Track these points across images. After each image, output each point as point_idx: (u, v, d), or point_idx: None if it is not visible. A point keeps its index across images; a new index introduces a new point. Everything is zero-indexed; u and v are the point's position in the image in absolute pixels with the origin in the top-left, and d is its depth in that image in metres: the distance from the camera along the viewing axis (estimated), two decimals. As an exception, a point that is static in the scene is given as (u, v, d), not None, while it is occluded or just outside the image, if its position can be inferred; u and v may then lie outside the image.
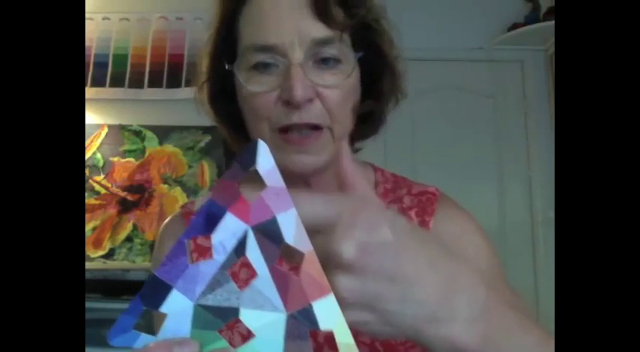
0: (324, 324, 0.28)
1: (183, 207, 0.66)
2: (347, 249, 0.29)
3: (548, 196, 2.23)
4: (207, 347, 0.29)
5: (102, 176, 2.20)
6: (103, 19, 2.37)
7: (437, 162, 2.26)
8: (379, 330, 0.31)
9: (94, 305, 1.64)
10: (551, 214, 2.19)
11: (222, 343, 0.29)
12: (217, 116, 0.61)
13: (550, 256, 2.17)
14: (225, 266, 0.29)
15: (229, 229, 0.29)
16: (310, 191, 0.56)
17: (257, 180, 0.30)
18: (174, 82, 2.29)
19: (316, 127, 0.52)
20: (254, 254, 0.29)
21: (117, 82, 2.30)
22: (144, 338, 0.30)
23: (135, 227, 2.15)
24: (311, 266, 0.29)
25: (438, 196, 0.63)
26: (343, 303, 0.29)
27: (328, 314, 0.29)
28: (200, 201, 0.68)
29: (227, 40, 0.56)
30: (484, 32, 2.36)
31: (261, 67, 0.52)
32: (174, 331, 0.29)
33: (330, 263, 0.29)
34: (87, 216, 2.13)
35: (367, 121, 0.60)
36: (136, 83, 2.30)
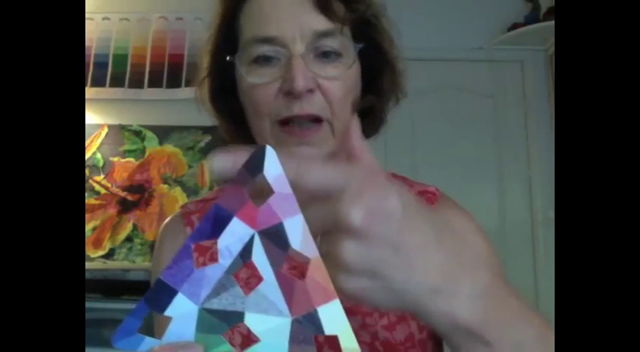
0: (329, 329, 0.28)
1: (183, 207, 0.66)
2: (354, 214, 0.29)
3: (548, 196, 2.23)
4: (212, 350, 0.29)
5: (102, 176, 2.21)
6: (103, 19, 2.37)
7: (437, 162, 2.26)
8: (381, 300, 0.31)
9: (94, 305, 1.64)
10: (551, 214, 2.19)
11: (227, 347, 0.29)
12: (218, 112, 0.61)
13: (550, 256, 2.17)
14: (231, 270, 0.29)
15: (236, 234, 0.29)
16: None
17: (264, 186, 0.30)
18: (174, 82, 2.29)
19: (316, 120, 0.52)
20: (260, 258, 0.29)
21: (117, 82, 2.30)
22: (148, 342, 0.30)
23: (135, 227, 2.15)
24: (317, 271, 0.29)
25: (437, 196, 0.63)
26: (347, 269, 0.29)
27: (333, 319, 0.29)
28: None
29: (228, 37, 0.57)
30: (484, 32, 2.36)
31: (262, 60, 0.52)
32: (179, 335, 0.29)
33: (337, 229, 0.29)
34: (87, 216, 2.13)
35: (367, 117, 0.60)
36: (136, 83, 2.31)
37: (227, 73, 0.57)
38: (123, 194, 2.19)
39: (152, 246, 2.11)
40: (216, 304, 0.29)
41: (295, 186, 0.29)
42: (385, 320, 0.55)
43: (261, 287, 0.29)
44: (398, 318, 0.56)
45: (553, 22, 2.15)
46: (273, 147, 0.30)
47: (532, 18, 2.27)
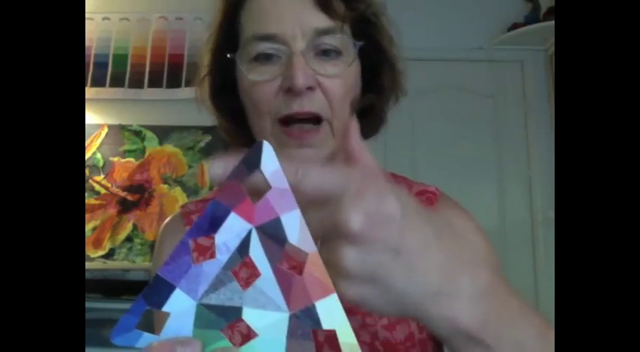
0: (327, 324, 0.29)
1: (183, 206, 0.66)
2: (353, 219, 0.29)
3: (548, 196, 2.23)
4: (210, 346, 0.29)
5: (102, 176, 2.21)
6: (103, 19, 2.37)
7: (437, 162, 2.26)
8: (381, 306, 0.31)
9: (94, 305, 1.64)
10: (551, 214, 2.19)
11: (225, 342, 0.29)
12: (218, 111, 0.61)
13: (550, 256, 2.17)
14: (229, 266, 0.29)
15: (233, 229, 0.29)
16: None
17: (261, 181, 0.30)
18: (174, 82, 2.29)
19: (316, 121, 0.52)
20: (257, 254, 0.29)
21: (117, 82, 2.30)
22: (146, 338, 0.30)
23: (135, 227, 2.15)
24: (314, 266, 0.29)
25: (437, 196, 0.63)
26: (347, 275, 0.29)
27: (331, 314, 0.29)
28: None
29: (229, 35, 0.57)
30: (484, 32, 2.36)
31: (263, 58, 0.53)
32: (177, 330, 0.29)
33: (336, 234, 0.29)
34: (87, 216, 2.13)
35: (367, 117, 0.60)
36: (136, 83, 2.31)
37: (227, 71, 0.57)
38: (123, 194, 2.19)
39: (152, 246, 2.11)
40: (214, 299, 0.29)
41: (294, 191, 0.29)
42: (385, 320, 0.55)
43: (258, 282, 0.29)
44: (398, 318, 0.56)
45: (553, 22, 2.15)
46: (274, 146, 0.30)
47: (532, 18, 2.27)
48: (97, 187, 2.19)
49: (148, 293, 0.30)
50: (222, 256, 0.29)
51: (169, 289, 0.29)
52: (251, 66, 0.53)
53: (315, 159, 0.53)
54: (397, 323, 0.55)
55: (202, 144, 2.24)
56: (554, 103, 2.10)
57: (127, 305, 0.30)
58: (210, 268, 0.29)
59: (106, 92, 2.29)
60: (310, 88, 0.51)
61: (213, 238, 0.29)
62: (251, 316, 0.29)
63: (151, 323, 0.30)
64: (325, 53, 0.53)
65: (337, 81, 0.53)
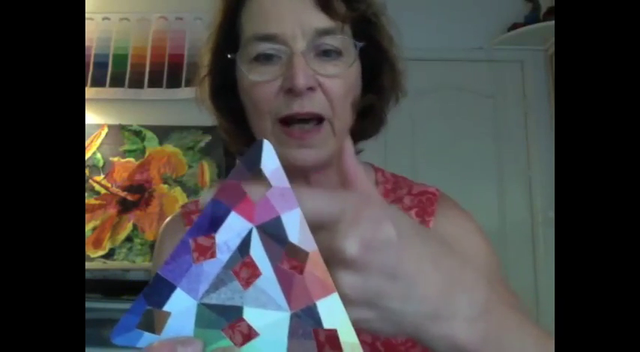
0: (328, 323, 0.29)
1: (183, 206, 0.66)
2: (350, 245, 0.29)
3: (548, 196, 2.23)
4: (211, 346, 0.29)
5: (102, 176, 2.20)
6: (103, 19, 2.37)
7: (437, 162, 2.26)
8: (380, 328, 0.31)
9: (94, 305, 1.64)
10: (551, 214, 2.19)
11: (226, 342, 0.29)
12: (218, 111, 0.61)
13: (550, 256, 2.17)
14: (229, 265, 0.29)
15: (234, 229, 0.29)
16: (311, 187, 0.56)
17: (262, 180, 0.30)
18: (174, 82, 2.29)
19: (317, 121, 0.52)
20: (258, 253, 0.29)
21: (117, 82, 2.30)
22: (147, 337, 0.30)
23: (135, 227, 2.15)
24: (315, 265, 0.29)
25: (438, 196, 0.63)
26: (345, 300, 0.29)
27: (332, 313, 0.29)
28: (205, 197, 0.68)
29: (229, 35, 0.57)
30: (484, 32, 2.36)
31: (263, 59, 0.52)
32: (178, 330, 0.29)
33: (333, 259, 0.29)
34: (87, 216, 2.13)
35: (368, 117, 0.60)
36: (136, 83, 2.30)
37: (228, 71, 0.57)
38: (123, 194, 2.19)
39: (152, 246, 2.11)
40: (214, 299, 0.29)
41: None
42: None
43: (259, 281, 0.29)
44: None
45: (553, 22, 2.15)
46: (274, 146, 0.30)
47: (532, 18, 2.27)
48: (97, 187, 2.19)
49: (149, 292, 0.29)
50: (223, 255, 0.29)
51: (170, 288, 0.29)
52: (251, 66, 0.53)
53: (314, 160, 0.53)
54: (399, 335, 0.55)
55: (202, 144, 2.24)
56: (554, 103, 2.10)
57: (127, 305, 0.30)
58: (211, 267, 0.29)
59: (106, 92, 2.29)
60: (311, 89, 0.51)
61: (213, 237, 0.29)
62: (252, 315, 0.29)
63: (152, 323, 0.30)
64: (326, 53, 0.53)
65: (338, 81, 0.53)
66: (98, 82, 2.29)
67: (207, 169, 2.21)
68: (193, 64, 2.31)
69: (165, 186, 2.20)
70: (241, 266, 0.30)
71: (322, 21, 0.52)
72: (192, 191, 2.19)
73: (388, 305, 0.30)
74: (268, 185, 0.29)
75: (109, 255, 2.11)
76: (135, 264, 2.07)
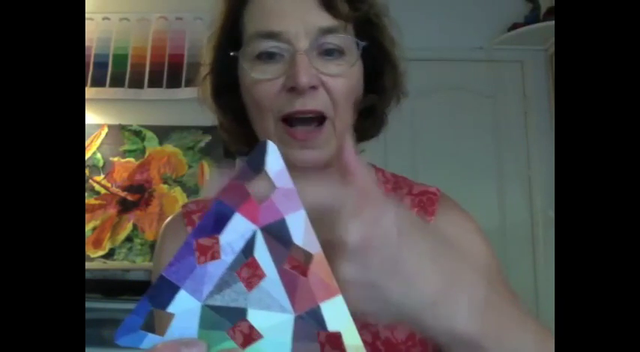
0: (332, 325, 0.28)
1: (184, 206, 0.66)
2: (351, 237, 0.29)
3: (548, 196, 2.22)
4: (215, 347, 0.29)
5: (102, 176, 2.20)
6: (103, 19, 2.37)
7: (437, 162, 2.25)
8: (379, 316, 0.31)
9: (94, 305, 1.64)
10: (551, 214, 2.18)
11: (230, 343, 0.29)
12: (220, 109, 0.61)
13: (550, 256, 2.17)
14: (234, 266, 0.29)
15: (238, 230, 0.29)
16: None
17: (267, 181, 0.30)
18: (174, 82, 2.29)
19: (319, 122, 0.52)
20: (262, 255, 0.29)
21: (117, 82, 2.30)
22: (151, 339, 0.29)
23: (135, 227, 2.15)
24: (319, 267, 0.29)
25: (439, 197, 0.63)
26: (345, 289, 0.29)
27: (336, 316, 0.29)
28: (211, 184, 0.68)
29: (232, 33, 0.56)
30: (484, 32, 2.36)
31: (266, 57, 0.52)
32: (182, 331, 0.29)
33: (334, 251, 0.29)
34: (87, 216, 2.13)
35: (369, 117, 0.60)
36: (136, 83, 2.30)
37: (230, 70, 0.57)
38: (123, 194, 2.19)
39: (152, 246, 2.11)
40: (218, 300, 0.29)
41: None
42: None
43: (263, 283, 0.29)
44: None
45: (553, 22, 2.15)
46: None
47: (532, 18, 2.27)
48: (97, 187, 2.19)
49: (153, 294, 0.29)
50: (227, 257, 0.29)
51: (174, 290, 0.29)
52: (254, 64, 0.53)
53: (316, 160, 0.53)
54: (398, 323, 0.55)
55: (202, 144, 2.24)
56: (554, 103, 2.10)
57: (127, 305, 0.30)
58: (215, 269, 0.29)
59: (106, 92, 2.29)
60: (313, 87, 0.51)
61: (216, 238, 0.29)
62: (256, 317, 0.29)
63: (152, 324, 0.30)
64: (328, 53, 0.53)
65: (340, 80, 0.53)
66: (98, 82, 2.29)
67: (207, 169, 2.21)
68: (193, 64, 2.32)
69: (165, 186, 2.20)
70: (245, 267, 0.30)
71: (325, 20, 0.52)
72: (192, 191, 2.19)
73: (387, 294, 0.30)
74: (272, 186, 0.29)
75: (109, 255, 2.11)
76: (135, 264, 2.07)
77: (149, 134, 2.26)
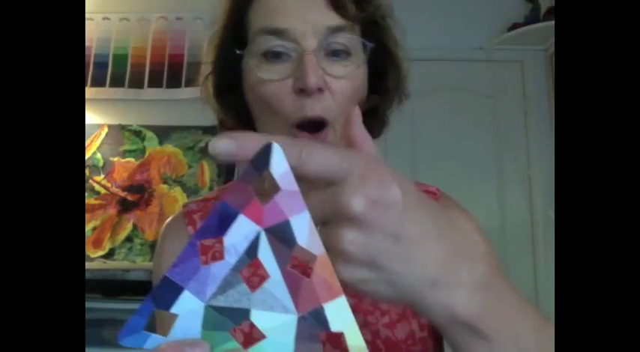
0: (335, 326, 0.28)
1: (184, 206, 0.66)
2: (356, 202, 0.29)
3: (548, 196, 2.23)
4: (218, 347, 0.29)
5: (102, 176, 2.21)
6: (103, 19, 2.37)
7: (437, 162, 2.26)
8: (379, 291, 0.31)
9: (94, 305, 1.64)
10: (551, 214, 2.19)
11: (233, 344, 0.29)
12: (222, 107, 0.61)
13: (550, 256, 2.17)
14: (237, 267, 0.29)
15: (242, 231, 0.29)
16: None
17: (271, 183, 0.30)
18: (174, 82, 2.29)
19: (321, 125, 0.52)
20: (266, 256, 0.29)
21: (117, 82, 2.31)
22: (154, 339, 0.30)
23: (135, 227, 2.16)
24: (323, 268, 0.29)
25: (438, 196, 0.63)
26: (347, 258, 0.29)
27: (339, 316, 0.29)
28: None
29: (236, 32, 0.56)
30: (484, 32, 2.37)
31: (272, 56, 0.52)
32: (185, 332, 0.29)
33: (337, 216, 0.29)
34: (87, 216, 2.13)
35: (370, 119, 0.60)
36: (136, 83, 2.31)
37: (233, 69, 0.56)
38: (123, 194, 2.19)
39: (152, 246, 2.11)
40: (222, 301, 0.29)
41: (297, 173, 0.29)
42: (387, 318, 0.55)
43: (267, 284, 0.29)
44: (399, 317, 0.56)
45: (553, 22, 2.15)
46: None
47: (532, 18, 2.27)
48: (97, 187, 2.19)
49: (156, 294, 0.29)
50: (231, 258, 0.29)
51: (177, 291, 0.29)
52: (260, 63, 0.52)
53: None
54: (398, 322, 0.55)
55: (202, 144, 2.24)
56: (554, 103, 2.10)
57: (127, 305, 0.30)
58: (219, 270, 0.29)
59: (106, 92, 2.29)
60: (320, 90, 0.50)
61: (220, 240, 0.29)
62: (259, 318, 0.29)
63: (153, 325, 0.30)
64: (335, 53, 0.52)
65: (345, 83, 0.52)
66: (98, 82, 2.29)
67: (207, 169, 2.21)
68: (193, 64, 2.32)
69: (165, 186, 2.21)
70: (249, 268, 0.30)
71: (334, 19, 0.52)
72: (192, 191, 2.19)
73: (389, 265, 0.30)
74: (277, 188, 0.29)
75: (109, 255, 2.11)
76: (135, 264, 2.08)
77: (149, 134, 2.26)
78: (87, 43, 2.31)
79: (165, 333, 0.29)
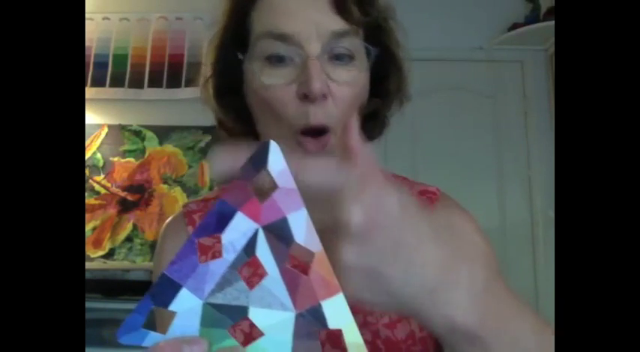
0: (333, 323, 0.29)
1: (185, 206, 0.66)
2: (354, 215, 0.29)
3: (548, 196, 2.23)
4: (216, 345, 0.29)
5: (102, 176, 2.21)
6: (103, 19, 2.37)
7: (437, 162, 2.26)
8: (379, 301, 0.31)
9: (94, 305, 1.64)
10: (551, 214, 2.19)
11: (231, 341, 0.29)
12: (222, 109, 0.60)
13: (550, 256, 2.18)
14: (235, 265, 0.29)
15: (240, 229, 0.29)
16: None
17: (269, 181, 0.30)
18: (174, 82, 2.29)
19: (325, 130, 0.52)
20: (264, 253, 0.29)
21: (117, 82, 2.31)
22: (153, 337, 0.30)
23: (135, 227, 2.16)
24: (321, 265, 0.29)
25: (438, 196, 0.63)
26: (346, 271, 0.29)
27: (337, 314, 0.29)
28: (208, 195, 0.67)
29: (237, 33, 0.55)
30: (484, 32, 2.37)
31: (275, 60, 0.51)
32: (183, 329, 0.29)
33: (335, 228, 0.29)
34: (87, 216, 2.13)
35: (371, 121, 0.59)
36: (136, 83, 2.31)
37: (233, 70, 0.56)
38: (123, 194, 2.19)
39: (152, 246, 2.11)
40: (220, 299, 0.29)
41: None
42: (386, 318, 0.55)
43: (265, 281, 0.29)
44: (399, 317, 0.56)
45: (553, 22, 2.15)
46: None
47: (532, 18, 2.28)
48: (97, 187, 2.19)
49: (155, 292, 0.30)
50: (229, 255, 0.29)
51: (176, 288, 0.29)
52: (262, 67, 0.52)
53: (319, 159, 0.52)
54: (398, 322, 0.55)
55: (202, 144, 2.24)
56: (554, 103, 2.10)
57: (127, 305, 0.30)
58: (217, 267, 0.29)
59: (106, 92, 2.29)
60: (323, 96, 0.50)
61: (218, 238, 0.29)
62: (257, 315, 0.29)
63: (153, 322, 0.30)
64: (338, 57, 0.52)
65: (347, 88, 0.52)
66: (98, 82, 2.29)
67: (207, 169, 2.21)
68: (193, 64, 2.32)
69: (165, 186, 2.21)
70: (247, 266, 0.30)
71: (338, 23, 0.51)
72: (192, 191, 2.19)
73: (388, 276, 0.30)
74: (274, 185, 0.29)
75: (109, 255, 2.11)
76: (135, 264, 2.08)
77: (149, 134, 2.26)
78: (87, 43, 2.31)
79: (164, 331, 0.30)
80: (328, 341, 0.29)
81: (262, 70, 0.52)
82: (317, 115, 0.50)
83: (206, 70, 0.60)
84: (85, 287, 0.45)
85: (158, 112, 2.26)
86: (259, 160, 0.29)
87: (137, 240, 2.14)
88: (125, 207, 2.18)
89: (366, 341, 0.28)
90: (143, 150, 2.24)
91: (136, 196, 2.19)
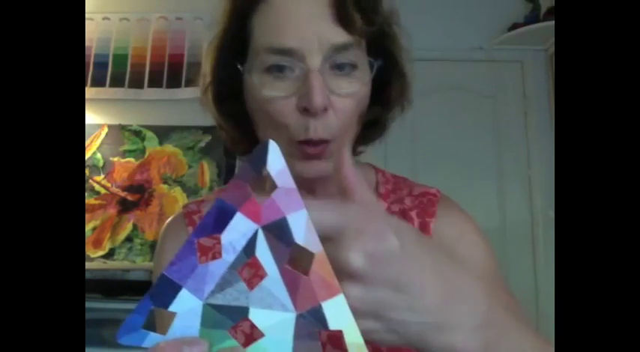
0: (333, 324, 0.29)
1: (185, 206, 0.66)
2: (354, 258, 0.29)
3: (548, 196, 2.23)
4: (217, 346, 0.29)
5: (102, 176, 2.21)
6: (103, 19, 2.37)
7: (437, 162, 2.26)
8: (385, 338, 0.32)
9: (94, 305, 1.64)
10: (551, 214, 2.19)
11: (232, 342, 0.29)
12: (222, 116, 0.60)
13: (550, 256, 2.17)
14: (235, 265, 0.29)
15: (239, 229, 0.29)
16: (315, 198, 0.55)
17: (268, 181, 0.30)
18: (174, 82, 2.29)
19: (324, 141, 0.51)
20: (264, 254, 0.29)
21: (117, 82, 2.31)
22: (153, 337, 0.30)
23: (135, 227, 2.15)
24: (321, 266, 0.29)
25: (439, 198, 0.63)
26: (352, 312, 0.30)
27: (338, 314, 0.29)
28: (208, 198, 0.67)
29: (237, 39, 0.54)
30: (484, 32, 2.37)
31: (275, 70, 0.50)
32: (184, 330, 0.29)
33: (338, 271, 0.30)
34: (87, 216, 2.13)
35: (371, 127, 0.59)
36: (136, 83, 2.31)
37: (232, 80, 0.55)
38: (123, 194, 2.19)
39: (152, 246, 2.11)
40: (220, 299, 0.29)
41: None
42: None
43: (265, 282, 0.29)
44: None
45: (553, 22, 2.15)
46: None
47: (532, 18, 2.27)
48: (97, 187, 2.19)
49: (155, 292, 0.30)
50: (229, 256, 0.29)
51: (176, 289, 0.29)
52: (262, 78, 0.51)
53: (323, 172, 0.51)
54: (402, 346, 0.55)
55: (202, 144, 2.24)
56: (554, 103, 2.10)
57: (127, 305, 0.30)
58: (217, 268, 0.29)
59: (106, 92, 2.29)
60: (324, 109, 0.49)
61: (217, 238, 0.29)
62: (257, 316, 0.29)
63: (153, 323, 0.30)
64: (340, 67, 0.51)
65: (349, 101, 0.51)
66: (98, 82, 2.29)
67: (207, 169, 2.21)
68: (193, 64, 2.32)
69: (165, 186, 2.21)
70: (247, 266, 0.30)
71: (340, 35, 0.50)
72: (192, 191, 2.19)
73: (393, 315, 0.31)
74: (274, 185, 0.29)
75: (109, 255, 2.11)
76: (135, 264, 2.08)
77: (149, 134, 2.26)
78: (87, 43, 2.31)
79: (164, 331, 0.30)
80: (329, 342, 0.29)
81: (262, 82, 0.51)
82: (317, 129, 0.49)
83: (205, 73, 0.59)
84: (85, 287, 0.45)
85: (158, 112, 2.26)
86: (258, 160, 0.29)
87: (137, 240, 2.14)
88: (125, 207, 2.18)
89: (367, 343, 0.28)
90: (143, 150, 2.24)
91: (136, 196, 2.19)
